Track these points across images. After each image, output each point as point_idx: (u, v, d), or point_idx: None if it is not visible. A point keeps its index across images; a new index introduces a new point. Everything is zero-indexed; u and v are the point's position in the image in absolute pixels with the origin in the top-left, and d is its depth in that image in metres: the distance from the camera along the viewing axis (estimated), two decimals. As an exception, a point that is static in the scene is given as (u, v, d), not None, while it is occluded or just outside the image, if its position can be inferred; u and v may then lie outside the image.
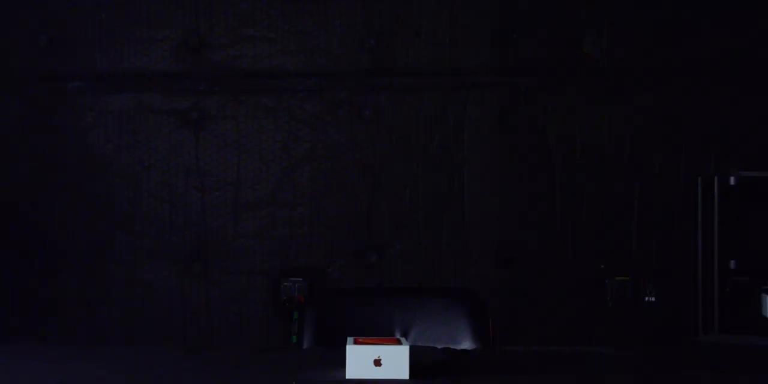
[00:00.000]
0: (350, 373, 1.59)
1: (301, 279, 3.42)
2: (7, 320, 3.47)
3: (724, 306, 3.11)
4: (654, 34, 3.46)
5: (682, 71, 3.45)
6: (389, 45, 3.46)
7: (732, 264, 3.15)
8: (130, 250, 3.49)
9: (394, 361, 1.59)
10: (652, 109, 3.46)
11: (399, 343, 1.65)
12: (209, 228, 3.47)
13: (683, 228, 3.33)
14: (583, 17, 3.46)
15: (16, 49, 3.51)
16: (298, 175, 3.48)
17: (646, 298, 3.39)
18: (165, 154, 3.50)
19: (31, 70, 3.50)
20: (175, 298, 3.48)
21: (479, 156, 3.46)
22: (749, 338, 2.73)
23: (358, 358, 1.59)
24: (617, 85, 3.46)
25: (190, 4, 3.48)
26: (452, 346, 1.91)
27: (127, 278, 3.49)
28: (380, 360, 1.59)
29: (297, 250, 3.46)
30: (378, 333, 2.18)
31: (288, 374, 1.63)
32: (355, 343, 1.64)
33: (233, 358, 1.81)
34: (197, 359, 1.79)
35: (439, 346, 1.91)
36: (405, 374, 1.58)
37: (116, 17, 3.49)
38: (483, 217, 3.45)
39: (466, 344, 2.27)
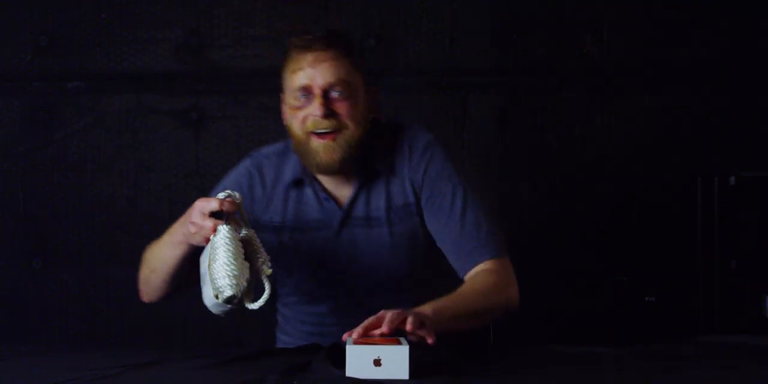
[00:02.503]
0: (350, 372, 1.60)
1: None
2: (6, 321, 3.48)
3: (724, 306, 3.12)
4: (654, 34, 3.46)
5: (682, 71, 3.46)
6: (389, 45, 3.46)
7: (732, 264, 3.15)
8: (130, 250, 3.49)
9: (394, 361, 1.59)
10: (652, 109, 3.46)
11: (399, 343, 1.65)
12: (209, 228, 3.47)
13: (683, 228, 3.33)
14: (583, 17, 3.46)
15: (16, 49, 3.51)
16: (298, 175, 3.47)
17: (646, 298, 3.39)
18: (165, 154, 3.50)
19: (31, 70, 3.50)
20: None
21: (479, 156, 3.46)
22: (749, 338, 2.73)
23: (358, 358, 1.60)
24: (617, 85, 3.46)
25: (190, 4, 3.48)
26: (452, 346, 1.91)
27: (127, 278, 3.48)
28: (380, 360, 1.59)
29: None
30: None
31: (288, 374, 1.63)
32: (355, 342, 1.64)
33: (233, 358, 1.81)
34: (197, 359, 1.80)
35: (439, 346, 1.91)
36: (405, 374, 1.58)
37: (116, 17, 3.49)
38: (483, 217, 3.44)
39: (467, 344, 2.27)
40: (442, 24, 3.47)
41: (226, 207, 1.82)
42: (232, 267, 1.75)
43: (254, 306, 1.80)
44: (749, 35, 3.44)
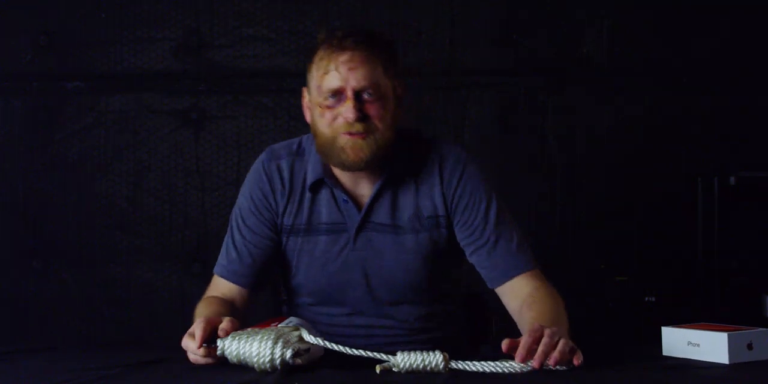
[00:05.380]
0: (666, 351, 1.80)
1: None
2: (6, 321, 3.47)
3: (724, 306, 3.11)
4: (654, 34, 3.46)
5: (682, 71, 3.45)
6: (389, 45, 3.46)
7: (732, 264, 3.14)
8: (130, 250, 3.49)
9: (713, 345, 1.71)
10: (652, 109, 3.46)
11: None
12: (209, 228, 3.47)
13: (683, 228, 3.32)
14: (583, 17, 3.47)
15: (16, 49, 3.51)
16: (298, 175, 3.47)
17: (646, 298, 3.39)
18: (165, 154, 3.50)
19: (31, 70, 3.50)
20: (175, 298, 3.48)
21: (479, 156, 3.45)
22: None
23: (674, 339, 1.78)
24: (617, 85, 3.46)
25: (190, 4, 3.48)
26: (452, 347, 1.91)
27: (127, 278, 3.49)
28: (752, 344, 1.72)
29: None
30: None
31: (289, 374, 1.63)
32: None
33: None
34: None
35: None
36: (725, 358, 1.69)
37: (116, 17, 3.49)
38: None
39: (467, 344, 2.27)
40: (442, 24, 3.47)
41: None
42: (255, 359, 1.67)
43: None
44: (748, 35, 3.44)
